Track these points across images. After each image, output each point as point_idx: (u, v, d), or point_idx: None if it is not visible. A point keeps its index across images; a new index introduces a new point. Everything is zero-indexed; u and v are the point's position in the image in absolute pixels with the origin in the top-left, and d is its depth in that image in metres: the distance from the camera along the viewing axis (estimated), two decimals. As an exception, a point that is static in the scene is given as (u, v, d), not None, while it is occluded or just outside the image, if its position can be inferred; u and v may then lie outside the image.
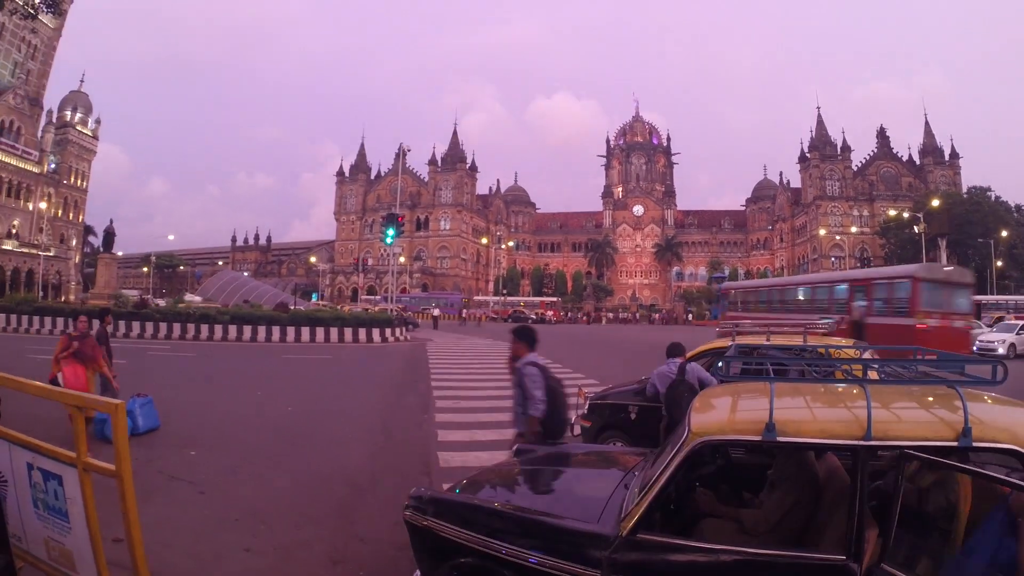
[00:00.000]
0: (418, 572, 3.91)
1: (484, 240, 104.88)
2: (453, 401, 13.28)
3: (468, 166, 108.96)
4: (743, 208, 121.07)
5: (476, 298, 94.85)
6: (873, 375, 3.87)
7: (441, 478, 7.46)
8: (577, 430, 8.48)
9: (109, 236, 48.77)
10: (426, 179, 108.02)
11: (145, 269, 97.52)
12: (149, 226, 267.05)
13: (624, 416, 8.32)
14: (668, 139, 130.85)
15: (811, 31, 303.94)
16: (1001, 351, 26.83)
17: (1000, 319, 37.95)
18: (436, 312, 59.03)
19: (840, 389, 3.55)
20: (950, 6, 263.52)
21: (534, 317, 71.58)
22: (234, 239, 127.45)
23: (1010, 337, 28.14)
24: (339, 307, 53.46)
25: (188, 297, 59.83)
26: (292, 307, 41.88)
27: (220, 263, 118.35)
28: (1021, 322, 31.33)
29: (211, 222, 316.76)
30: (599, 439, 8.29)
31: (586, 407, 8.68)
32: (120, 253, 61.16)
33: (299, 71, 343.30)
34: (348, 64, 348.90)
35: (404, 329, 35.37)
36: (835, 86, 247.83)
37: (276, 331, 30.36)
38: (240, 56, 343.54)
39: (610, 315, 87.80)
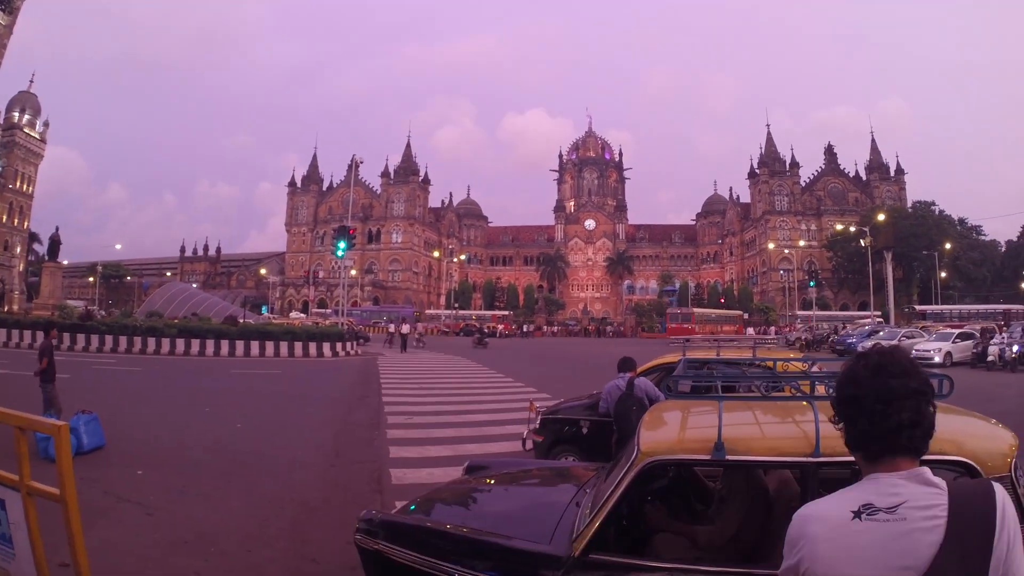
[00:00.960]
0: None
1: (436, 253, 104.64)
2: (405, 417, 13.20)
3: (421, 179, 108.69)
4: (693, 223, 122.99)
5: (428, 312, 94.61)
6: (821, 390, 3.94)
7: (394, 496, 7.45)
8: (529, 444, 8.68)
9: (54, 244, 47.67)
10: (379, 191, 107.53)
11: (91, 279, 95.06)
12: (103, 234, 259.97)
13: (576, 431, 8.33)
14: (620, 155, 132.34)
15: (779, 58, 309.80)
16: (937, 359, 27.64)
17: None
18: (405, 328, 43.53)
19: (789, 405, 3.59)
20: (913, 33, 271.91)
21: (485, 331, 71.43)
22: (183, 249, 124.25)
23: (946, 346, 29.01)
24: (290, 321, 52.68)
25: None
26: (241, 320, 41.32)
27: (168, 274, 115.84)
28: (956, 331, 32.27)
29: (167, 231, 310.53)
30: (551, 454, 8.28)
31: (537, 422, 8.64)
32: (66, 262, 59.69)
33: (260, 80, 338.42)
34: (305, 74, 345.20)
35: (355, 343, 35.09)
36: (796, 109, 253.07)
37: (225, 345, 29.88)
38: (200, 62, 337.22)
39: (561, 328, 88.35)
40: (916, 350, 28.64)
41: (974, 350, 28.24)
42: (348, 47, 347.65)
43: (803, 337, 47.22)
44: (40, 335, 30.24)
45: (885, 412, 1.58)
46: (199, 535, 6.04)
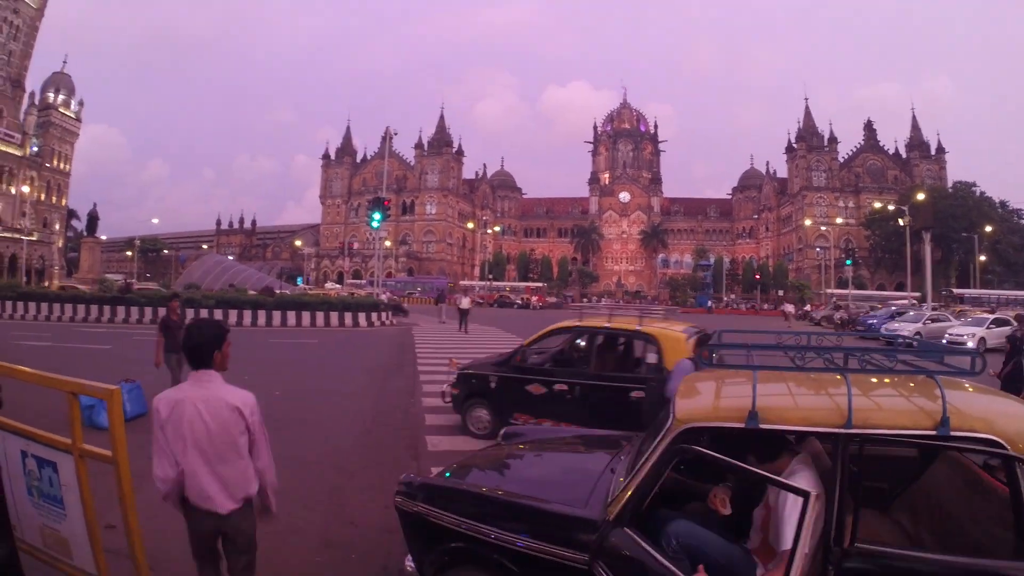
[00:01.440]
0: (409, 556, 3.95)
1: (470, 225, 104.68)
2: (439, 386, 13.21)
3: (454, 150, 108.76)
4: (729, 197, 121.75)
5: (462, 283, 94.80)
6: (854, 363, 3.92)
7: (429, 462, 7.54)
8: (448, 398, 9.71)
9: (93, 220, 48.53)
10: (412, 163, 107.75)
11: (129, 253, 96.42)
12: (143, 210, 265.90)
13: (485, 385, 9.33)
14: (655, 127, 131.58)
15: (822, 34, 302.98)
16: (971, 345, 26.84)
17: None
18: (465, 303, 31.90)
19: (821, 377, 3.58)
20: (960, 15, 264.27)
21: (520, 302, 71.65)
22: (219, 222, 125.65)
23: (980, 331, 28.28)
24: (325, 291, 53.16)
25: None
26: (278, 291, 41.79)
27: (205, 247, 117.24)
28: (991, 316, 31.53)
29: (207, 205, 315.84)
30: (465, 405, 9.46)
31: (454, 377, 9.72)
32: (104, 237, 60.77)
33: (294, 54, 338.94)
34: (338, 47, 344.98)
35: (390, 314, 35.32)
36: (839, 87, 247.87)
37: (262, 315, 30.30)
38: (234, 39, 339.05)
39: (596, 300, 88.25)
40: (949, 335, 28.39)
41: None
42: (381, 18, 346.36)
43: (834, 316, 46.23)
44: (79, 308, 31.06)
45: None
46: None
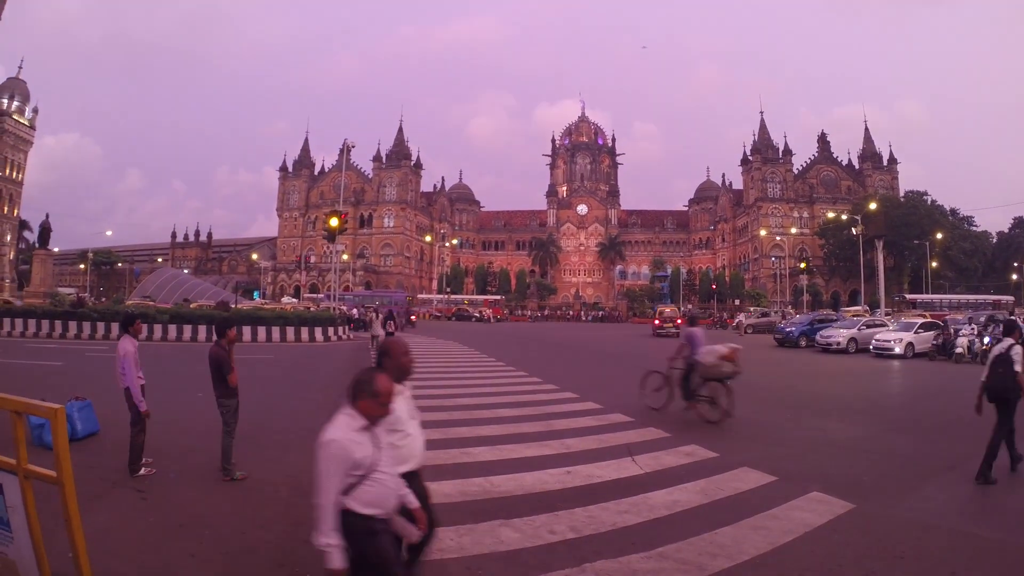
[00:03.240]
0: None
1: (428, 238, 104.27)
2: None
3: (413, 163, 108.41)
4: (686, 209, 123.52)
5: (420, 296, 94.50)
6: None
7: None
8: None
9: (45, 231, 47.29)
10: (370, 175, 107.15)
11: (82, 266, 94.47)
12: (110, 222, 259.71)
13: None
14: (613, 140, 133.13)
15: (775, 54, 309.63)
16: (897, 350, 27.26)
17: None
18: (377, 329, 26.24)
19: None
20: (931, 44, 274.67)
21: (477, 315, 71.92)
22: (174, 235, 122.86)
23: (907, 336, 28.26)
24: (282, 306, 52.56)
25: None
26: (233, 305, 41.29)
27: (160, 260, 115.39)
28: (919, 321, 31.75)
29: (174, 218, 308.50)
30: None
31: None
32: (56, 249, 59.30)
33: (256, 65, 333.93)
34: (297, 57, 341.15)
35: (347, 328, 35.05)
36: (818, 106, 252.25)
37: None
38: (198, 45, 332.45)
39: (550, 313, 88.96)
40: (876, 340, 28.63)
41: (934, 342, 27.56)
42: (344, 28, 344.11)
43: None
44: (30, 323, 30.28)
45: None
46: (194, 518, 6.08)
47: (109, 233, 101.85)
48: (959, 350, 25.63)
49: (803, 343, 33.12)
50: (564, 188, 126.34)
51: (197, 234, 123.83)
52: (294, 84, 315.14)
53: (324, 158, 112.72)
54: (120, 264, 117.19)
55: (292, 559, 5.23)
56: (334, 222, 33.91)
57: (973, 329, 28.05)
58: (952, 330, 28.15)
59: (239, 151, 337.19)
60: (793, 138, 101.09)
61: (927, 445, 10.25)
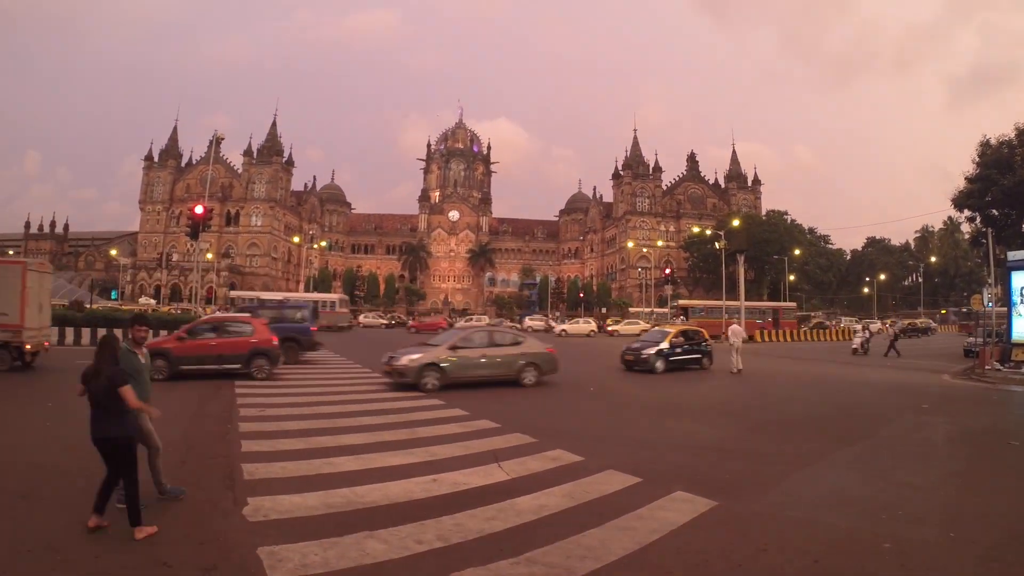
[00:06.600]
0: None
1: (296, 239, 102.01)
2: (258, 409, 12.90)
3: (285, 160, 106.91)
4: (557, 219, 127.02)
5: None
6: None
7: (245, 491, 7.33)
8: None
9: None
10: (240, 171, 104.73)
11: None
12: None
13: None
14: (488, 148, 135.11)
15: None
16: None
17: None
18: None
19: None
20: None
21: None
22: (27, 225, 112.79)
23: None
24: (140, 307, 50.79)
25: None
26: (88, 305, 40.17)
27: (11, 252, 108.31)
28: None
29: (27, 206, 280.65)
30: None
31: None
32: None
33: (136, 37, 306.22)
34: (184, 33, 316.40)
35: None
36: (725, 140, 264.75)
37: (70, 333, 29.10)
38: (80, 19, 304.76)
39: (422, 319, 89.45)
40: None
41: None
42: (231, 10, 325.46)
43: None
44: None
45: None
46: (45, 544, 5.75)
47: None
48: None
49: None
50: (437, 193, 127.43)
51: (52, 225, 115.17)
52: (171, 64, 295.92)
53: (193, 149, 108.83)
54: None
55: None
56: (199, 210, 31.87)
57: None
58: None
59: (107, 133, 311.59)
60: (669, 158, 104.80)
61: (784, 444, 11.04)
